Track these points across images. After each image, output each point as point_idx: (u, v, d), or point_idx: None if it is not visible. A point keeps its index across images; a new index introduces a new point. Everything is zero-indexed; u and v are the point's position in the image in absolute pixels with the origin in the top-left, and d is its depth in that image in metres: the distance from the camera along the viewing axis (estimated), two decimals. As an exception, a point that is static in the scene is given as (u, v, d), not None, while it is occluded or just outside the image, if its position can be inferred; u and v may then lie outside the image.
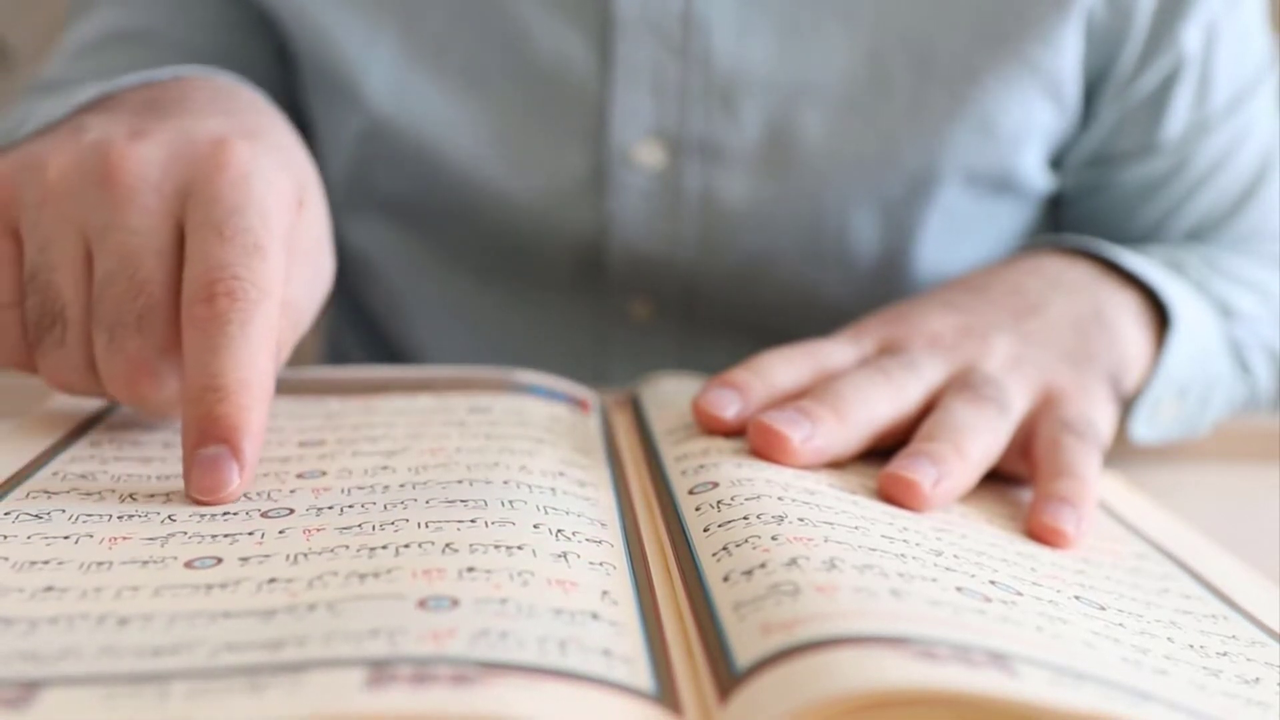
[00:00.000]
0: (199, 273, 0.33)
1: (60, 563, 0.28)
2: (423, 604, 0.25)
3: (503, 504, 0.31)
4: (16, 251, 0.35)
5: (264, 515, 0.31)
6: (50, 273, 0.34)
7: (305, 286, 0.37)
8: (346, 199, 0.62)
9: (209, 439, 0.31)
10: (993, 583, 0.30)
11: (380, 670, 0.22)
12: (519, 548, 0.29)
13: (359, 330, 0.70)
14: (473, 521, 0.30)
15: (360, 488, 0.33)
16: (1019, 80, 0.55)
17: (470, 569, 0.27)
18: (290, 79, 0.61)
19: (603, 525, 0.32)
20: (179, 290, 0.34)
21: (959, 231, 0.59)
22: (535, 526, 0.30)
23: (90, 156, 0.35)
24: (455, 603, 0.25)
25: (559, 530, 0.30)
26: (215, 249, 0.33)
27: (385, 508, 0.31)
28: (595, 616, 0.26)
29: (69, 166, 0.35)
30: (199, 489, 0.31)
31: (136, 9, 0.58)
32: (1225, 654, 0.30)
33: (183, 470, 0.32)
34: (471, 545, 0.28)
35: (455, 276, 0.62)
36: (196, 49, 0.58)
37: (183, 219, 0.34)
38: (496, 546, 0.29)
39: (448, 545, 0.28)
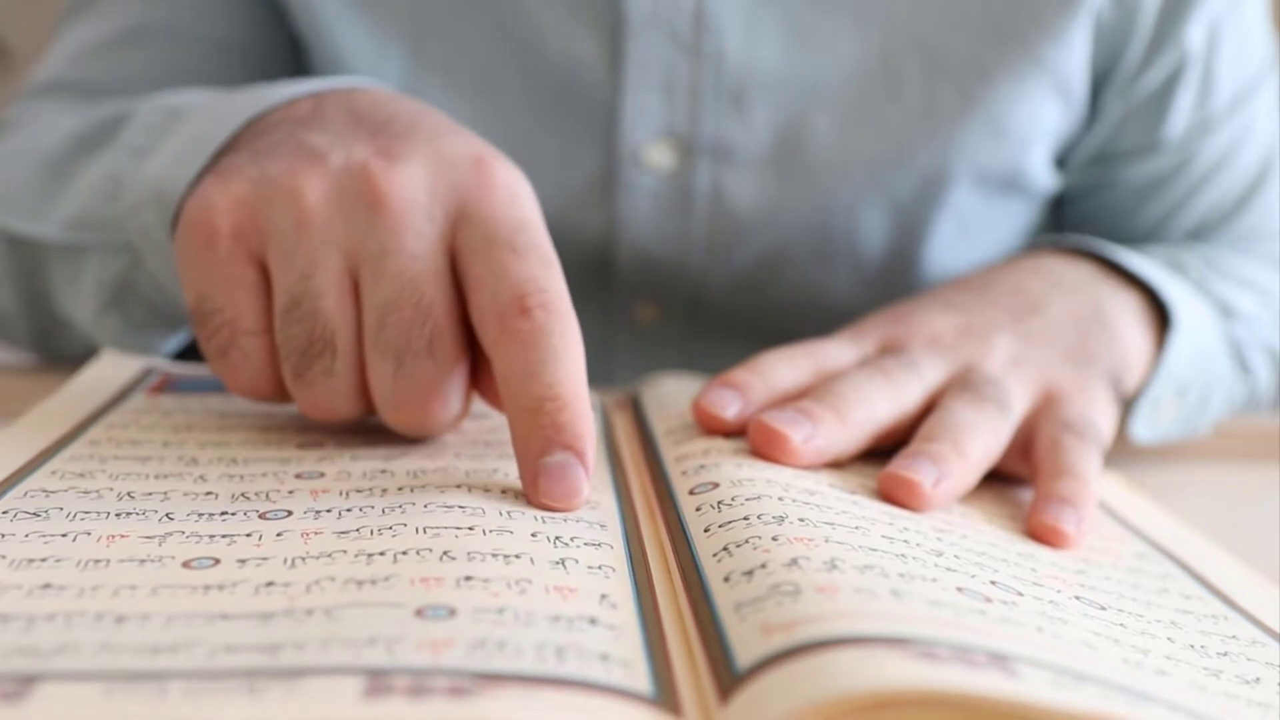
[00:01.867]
0: (504, 289, 0.33)
1: (58, 560, 0.28)
2: (420, 613, 0.25)
3: (501, 512, 0.31)
4: (263, 278, 0.35)
5: (262, 516, 0.31)
6: (317, 299, 0.34)
7: None
8: None
9: (555, 446, 0.32)
10: (993, 583, 0.30)
11: (378, 680, 0.22)
12: (516, 556, 0.29)
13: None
14: (470, 529, 0.30)
15: (359, 490, 0.33)
16: (1029, 79, 0.55)
17: (468, 577, 0.27)
18: (307, 73, 0.61)
19: (602, 527, 0.32)
20: (458, 313, 0.34)
21: (968, 231, 0.59)
22: (533, 535, 0.30)
23: (351, 180, 0.34)
24: (453, 612, 0.25)
25: (556, 537, 0.30)
26: (514, 265, 0.33)
27: (383, 512, 0.31)
28: (593, 621, 0.26)
29: (326, 191, 0.34)
30: (552, 496, 0.32)
31: (154, 4, 0.57)
32: (1226, 654, 0.30)
33: (525, 479, 0.32)
34: (469, 553, 0.28)
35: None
36: (220, 43, 0.57)
37: (453, 242, 0.35)
38: (494, 555, 0.28)
39: (445, 553, 0.28)
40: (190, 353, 0.51)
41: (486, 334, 0.34)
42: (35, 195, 0.49)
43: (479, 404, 0.42)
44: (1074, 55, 0.55)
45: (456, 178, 0.35)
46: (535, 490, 0.32)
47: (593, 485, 0.35)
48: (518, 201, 0.35)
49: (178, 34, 0.57)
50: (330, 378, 0.35)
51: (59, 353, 0.53)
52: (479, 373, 0.36)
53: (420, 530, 0.30)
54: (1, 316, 0.54)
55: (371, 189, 0.34)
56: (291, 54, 0.59)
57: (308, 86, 0.40)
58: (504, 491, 0.33)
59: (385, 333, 0.34)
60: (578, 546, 0.30)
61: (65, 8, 0.60)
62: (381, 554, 0.28)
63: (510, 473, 0.35)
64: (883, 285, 0.59)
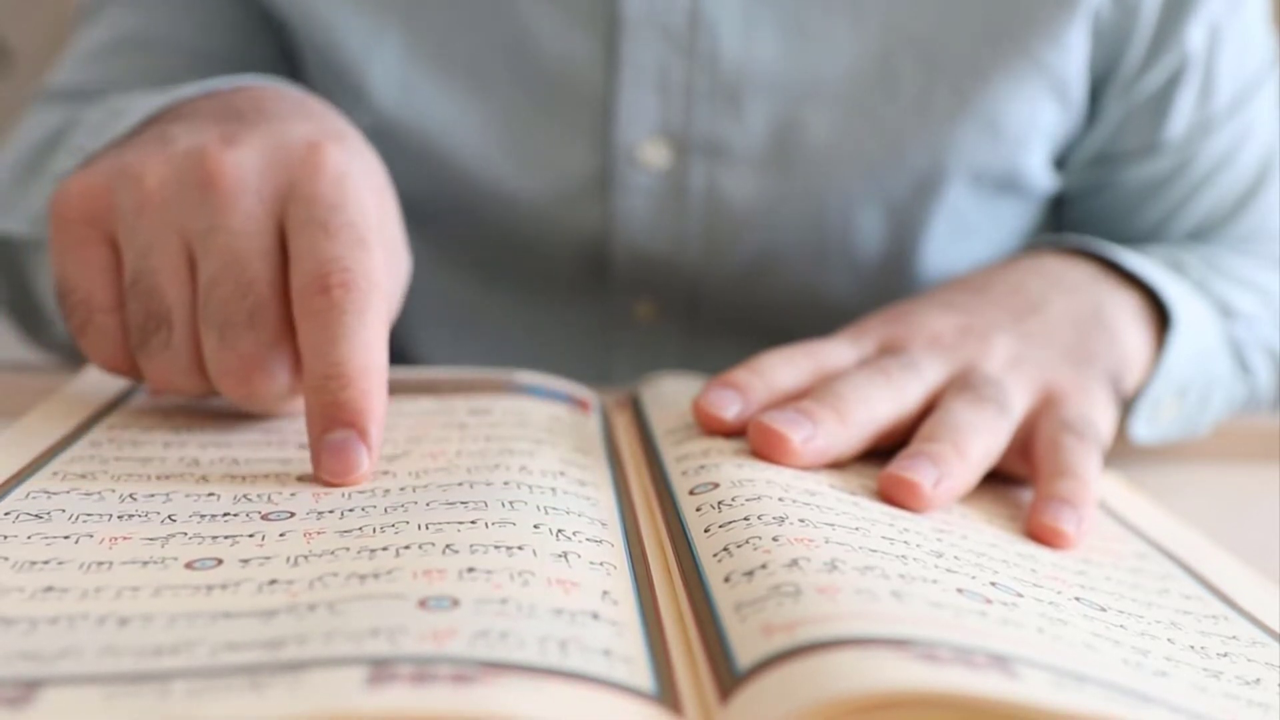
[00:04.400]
0: (310, 267, 0.34)
1: (60, 563, 0.28)
2: (423, 604, 0.25)
3: (503, 505, 0.31)
4: (114, 259, 0.37)
5: (264, 517, 0.31)
6: (153, 276, 0.35)
7: (393, 277, 0.39)
8: None
9: (335, 424, 0.33)
10: (994, 584, 0.30)
11: (381, 669, 0.22)
12: (519, 548, 0.29)
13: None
14: (473, 523, 0.30)
15: (360, 491, 0.33)
16: (1026, 79, 0.55)
17: (470, 569, 0.27)
18: (296, 80, 0.61)
19: (603, 525, 0.32)
20: (283, 289, 0.35)
21: (964, 231, 0.59)
22: (535, 527, 0.30)
23: (187, 163, 0.36)
24: (455, 603, 0.25)
25: (559, 530, 0.30)
26: (323, 244, 0.34)
27: (385, 510, 0.31)
28: (596, 616, 0.26)
29: (167, 174, 0.36)
30: (329, 472, 0.33)
31: (145, 14, 0.58)
32: (1226, 655, 0.30)
33: (311, 455, 0.33)
34: (472, 546, 0.28)
35: (459, 277, 0.62)
36: (205, 52, 0.58)
37: (283, 220, 0.36)
38: (497, 547, 0.29)
39: (448, 546, 0.28)
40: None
41: (295, 311, 0.35)
42: (11, 193, 0.52)
43: (481, 401, 0.42)
44: (1071, 56, 0.55)
45: (288, 159, 0.36)
46: (318, 466, 0.33)
47: (594, 484, 0.35)
48: (343, 182, 0.36)
49: (167, 44, 0.58)
50: (167, 351, 0.36)
51: (43, 341, 0.56)
52: None
53: (422, 525, 0.30)
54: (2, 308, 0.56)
55: (205, 171, 0.36)
56: (282, 65, 0.60)
57: (214, 84, 0.42)
58: (506, 484, 0.33)
59: (209, 306, 0.35)
60: (580, 541, 0.30)
61: (73, 17, 0.61)
62: (384, 549, 0.28)
63: (512, 465, 0.35)
64: (879, 284, 0.59)
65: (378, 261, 0.35)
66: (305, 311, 0.34)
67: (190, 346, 0.36)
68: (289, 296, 0.35)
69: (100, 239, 0.37)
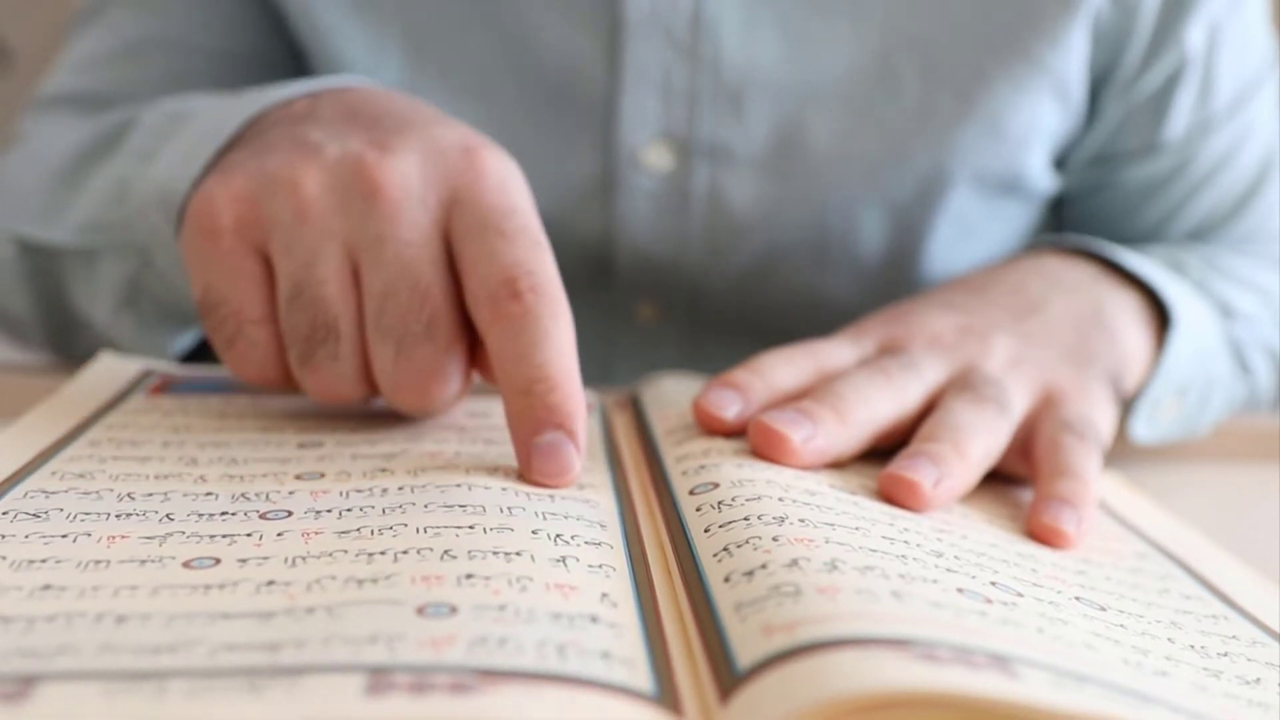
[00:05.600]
0: (494, 272, 0.34)
1: (58, 561, 0.28)
2: (421, 610, 0.25)
3: (501, 510, 0.31)
4: (265, 270, 0.36)
5: (262, 516, 0.31)
6: (319, 287, 0.35)
7: None
8: None
9: (546, 427, 0.33)
10: (994, 584, 0.30)
11: (379, 677, 0.22)
12: (517, 553, 0.29)
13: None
14: (471, 527, 0.30)
15: (358, 490, 0.33)
16: (1027, 81, 0.55)
17: (469, 575, 0.27)
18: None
19: (602, 527, 0.32)
20: (454, 296, 0.35)
21: (966, 232, 0.59)
22: (534, 532, 0.30)
23: (346, 171, 0.35)
24: (454, 609, 0.25)
25: (558, 535, 0.30)
26: (503, 249, 0.35)
27: (384, 512, 0.31)
28: (594, 619, 0.26)
29: (325, 183, 0.35)
30: (543, 474, 0.33)
31: (157, 16, 0.58)
32: (1226, 654, 0.30)
33: (520, 458, 0.34)
34: (470, 551, 0.28)
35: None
36: (220, 53, 0.58)
37: (448, 227, 0.36)
38: (495, 552, 0.28)
39: (446, 551, 0.28)
40: (201, 353, 0.52)
41: (480, 317, 0.35)
42: (48, 202, 0.51)
43: (480, 403, 0.42)
44: (1072, 57, 0.55)
45: (448, 166, 0.36)
46: (529, 469, 0.34)
47: (593, 485, 0.35)
48: (507, 187, 0.36)
49: (179, 45, 0.58)
50: (335, 362, 0.36)
51: (76, 352, 0.55)
52: (477, 353, 0.37)
53: (421, 530, 0.30)
54: (17, 319, 0.55)
55: (367, 179, 0.35)
56: (291, 62, 0.60)
57: (304, 86, 0.41)
58: (504, 489, 0.33)
59: (385, 318, 0.35)
60: (578, 545, 0.30)
61: (71, 19, 0.61)
62: (382, 553, 0.28)
63: (511, 470, 0.35)
64: (882, 286, 0.59)
65: (553, 263, 0.35)
66: (497, 317, 0.34)
67: (358, 357, 0.36)
68: (458, 305, 0.35)
69: (250, 249, 0.36)
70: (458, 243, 0.35)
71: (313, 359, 0.36)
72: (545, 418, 0.33)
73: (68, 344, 0.55)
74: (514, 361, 0.34)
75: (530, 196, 0.37)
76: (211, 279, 0.36)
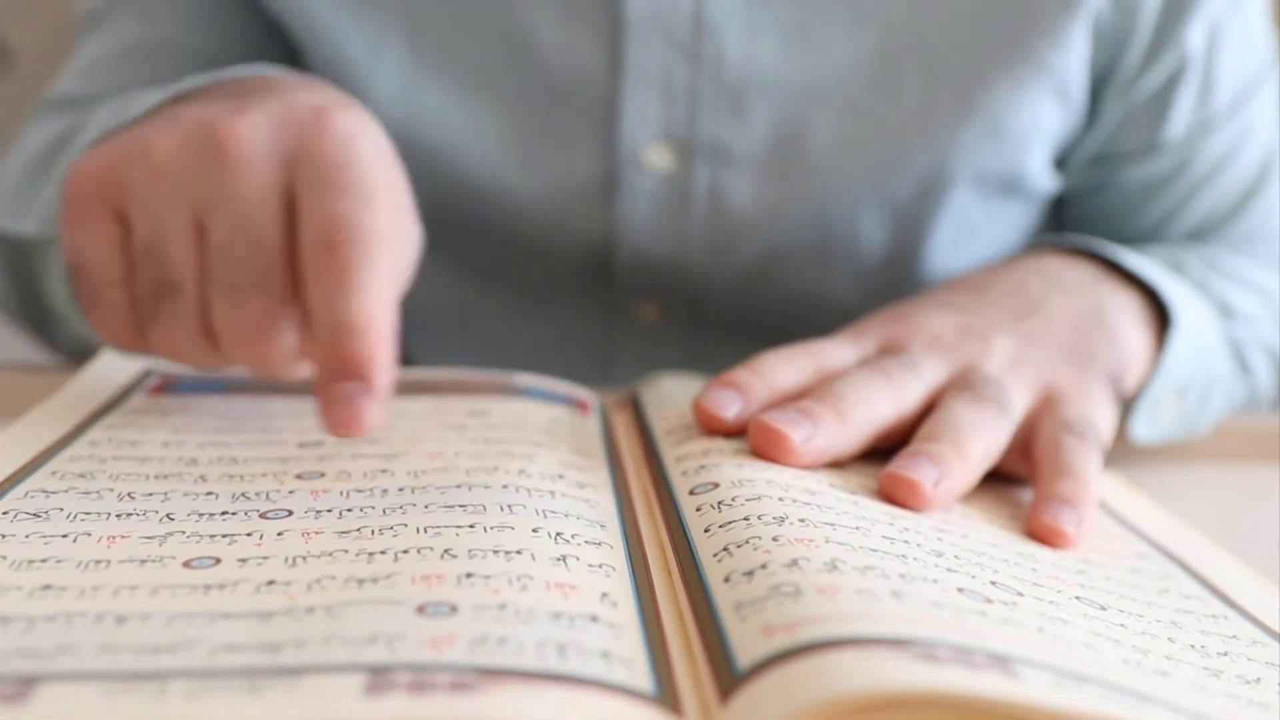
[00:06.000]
0: (318, 224, 0.34)
1: (58, 561, 0.28)
2: (421, 610, 0.25)
3: (501, 508, 0.31)
4: (123, 233, 0.37)
5: (262, 516, 0.31)
6: (164, 245, 0.35)
7: (402, 244, 0.38)
8: None
9: (344, 376, 0.33)
10: (994, 584, 0.30)
11: (379, 677, 0.22)
12: (518, 552, 0.29)
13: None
14: (471, 526, 0.30)
15: (359, 490, 0.33)
16: (1028, 81, 0.55)
17: (469, 574, 0.27)
18: None
19: (602, 527, 0.32)
20: (292, 252, 0.35)
21: (967, 233, 0.59)
22: (534, 531, 0.30)
23: (196, 133, 0.36)
24: (454, 609, 0.25)
25: (558, 534, 0.30)
26: (331, 201, 0.34)
27: (384, 511, 0.31)
28: (594, 619, 0.26)
29: (176, 145, 0.36)
30: (336, 423, 0.32)
31: (154, 22, 0.59)
32: (1226, 654, 0.30)
33: (319, 408, 0.33)
34: (470, 550, 0.28)
35: (461, 278, 0.62)
36: (215, 59, 0.58)
37: (292, 183, 0.36)
38: (495, 551, 0.28)
39: (446, 550, 0.28)
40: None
41: (303, 269, 0.35)
42: (21, 195, 0.52)
43: (480, 402, 0.42)
44: (1072, 57, 0.55)
45: (297, 124, 0.36)
46: (325, 418, 0.33)
47: (593, 485, 0.35)
48: (351, 144, 0.36)
49: (172, 50, 0.58)
50: (176, 318, 0.36)
51: (55, 343, 0.56)
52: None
53: (421, 529, 0.30)
54: (6, 309, 0.57)
55: (215, 139, 0.36)
56: (287, 65, 0.60)
57: (223, 73, 0.43)
58: (504, 487, 0.33)
59: (222, 271, 0.35)
60: (579, 544, 0.30)
61: (77, 27, 0.62)
62: (382, 553, 0.28)
63: (511, 468, 0.35)
64: (883, 286, 0.59)
65: (384, 219, 0.35)
66: (313, 268, 0.34)
67: (200, 312, 0.36)
68: (299, 260, 0.35)
69: (110, 214, 0.37)
70: (297, 198, 0.36)
71: (157, 315, 0.36)
72: (342, 367, 0.33)
73: (47, 334, 0.56)
74: (320, 310, 0.33)
75: (380, 153, 0.37)
76: (75, 243, 0.37)
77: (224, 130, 0.36)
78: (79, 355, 0.53)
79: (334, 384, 0.33)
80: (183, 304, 0.36)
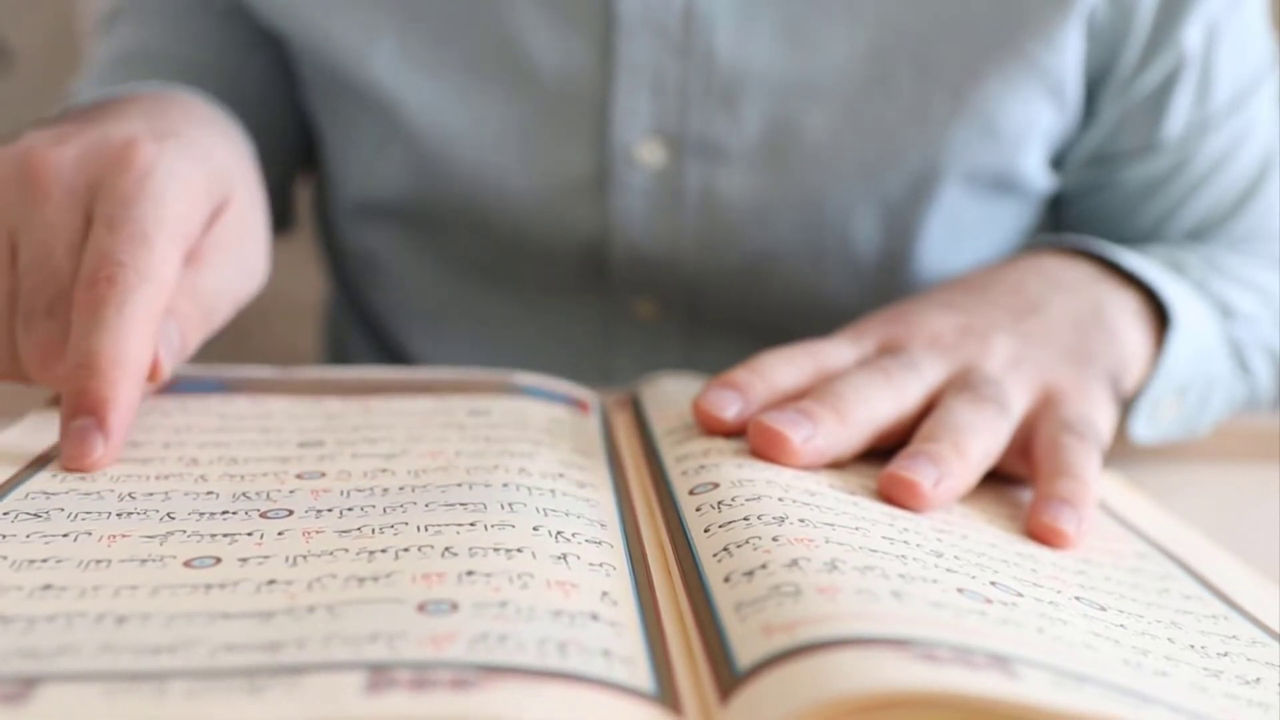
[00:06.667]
0: (88, 261, 0.35)
1: (59, 561, 0.28)
2: (422, 608, 0.25)
3: (502, 506, 0.31)
4: None
5: (263, 515, 0.31)
6: None
7: (222, 279, 0.40)
8: (352, 202, 0.62)
9: (79, 412, 0.34)
10: (993, 584, 0.30)
11: (380, 675, 0.22)
12: (518, 550, 0.29)
13: (361, 331, 0.70)
14: (472, 525, 0.30)
15: (359, 490, 0.33)
16: (1021, 80, 0.55)
17: (470, 572, 0.27)
18: (297, 91, 0.62)
19: (603, 526, 0.32)
20: None
21: (961, 231, 0.59)
22: (535, 529, 0.30)
23: (14, 162, 0.38)
24: (455, 606, 0.25)
25: (558, 532, 0.30)
26: (103, 239, 0.36)
27: (384, 510, 0.31)
28: (595, 617, 0.26)
29: (3, 174, 0.38)
30: (66, 458, 0.34)
31: (148, 30, 0.60)
32: (1226, 654, 0.30)
33: (59, 442, 0.34)
34: (471, 548, 0.28)
35: (458, 277, 0.62)
36: (202, 67, 0.59)
37: (92, 215, 0.37)
38: (496, 549, 0.28)
39: (447, 549, 0.28)
40: (200, 354, 0.52)
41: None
42: None
43: (481, 401, 0.42)
44: (1066, 56, 0.55)
45: (103, 156, 0.38)
46: (61, 453, 0.34)
47: (593, 484, 0.35)
48: (147, 179, 0.37)
49: (167, 58, 0.60)
50: None
51: None
52: None
53: (422, 528, 0.30)
54: None
55: (28, 168, 0.37)
56: (278, 72, 0.61)
57: (116, 90, 0.45)
58: (505, 485, 0.33)
59: (21, 295, 0.36)
60: (579, 543, 0.30)
61: (89, 33, 0.64)
62: (383, 551, 0.28)
63: (511, 467, 0.35)
64: (878, 284, 0.59)
65: (158, 258, 0.36)
66: (75, 304, 0.35)
67: (8, 335, 0.37)
68: None
69: None
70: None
71: None
72: (79, 403, 0.34)
73: None
74: (71, 346, 0.34)
75: (193, 191, 0.38)
76: None
77: (37, 160, 0.37)
78: None
79: (71, 418, 0.34)
80: None
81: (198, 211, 0.38)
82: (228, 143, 0.43)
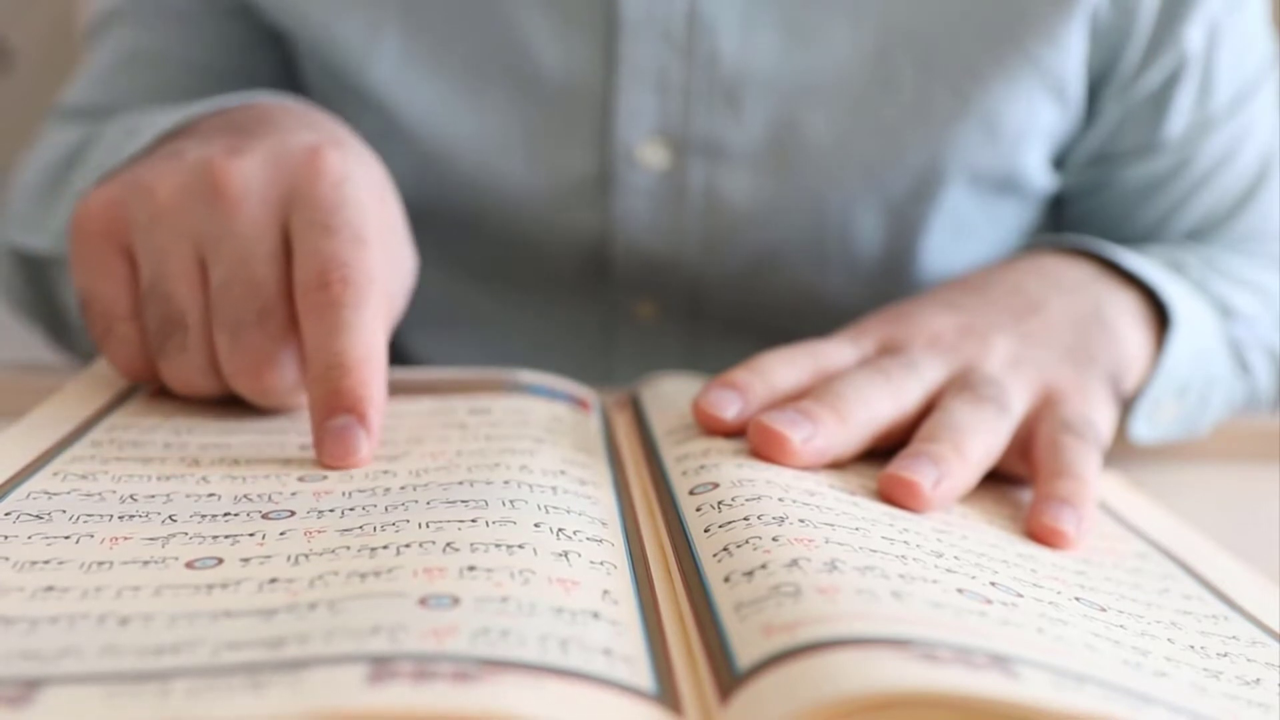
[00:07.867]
0: (311, 265, 0.36)
1: (61, 562, 0.28)
2: (424, 602, 0.25)
3: (504, 503, 0.31)
4: (130, 270, 0.39)
5: (265, 516, 0.31)
6: (168, 283, 0.37)
7: (395, 276, 0.40)
8: None
9: (337, 411, 0.35)
10: (993, 584, 0.30)
11: (382, 667, 0.22)
12: (520, 546, 0.29)
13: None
14: (474, 521, 0.30)
15: (361, 490, 0.33)
16: (1024, 80, 0.55)
17: (471, 568, 0.27)
18: (300, 92, 0.62)
19: (603, 524, 0.32)
20: (288, 289, 0.37)
21: (963, 231, 0.59)
22: (536, 525, 0.30)
23: (195, 174, 0.38)
24: (456, 601, 0.25)
25: (560, 529, 0.30)
26: (324, 243, 0.36)
27: (386, 509, 0.31)
28: (596, 616, 0.26)
29: (177, 186, 0.38)
30: (330, 456, 0.35)
31: (151, 32, 0.60)
32: (1226, 655, 0.30)
33: (314, 442, 0.35)
34: (472, 544, 0.28)
35: (459, 277, 0.62)
36: (208, 68, 0.60)
37: (287, 223, 0.37)
38: (497, 545, 0.29)
39: (449, 544, 0.28)
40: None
41: (298, 308, 0.36)
42: (34, 210, 0.54)
43: (481, 401, 0.42)
44: (1069, 56, 0.55)
45: (291, 165, 0.38)
46: (320, 451, 0.35)
47: (594, 483, 0.35)
48: (343, 185, 0.38)
49: (173, 60, 0.60)
50: (184, 353, 0.38)
51: (73, 348, 0.58)
52: None
53: (423, 525, 0.30)
54: (26, 313, 0.59)
55: (213, 181, 0.37)
56: (284, 77, 0.61)
57: (223, 102, 0.44)
58: (506, 483, 0.33)
59: (221, 308, 0.37)
60: (581, 540, 0.30)
61: (87, 35, 0.63)
62: (385, 548, 0.28)
63: (513, 464, 0.35)
64: (880, 284, 0.59)
65: (375, 258, 0.37)
66: (307, 307, 0.36)
67: (204, 348, 0.38)
68: (294, 296, 0.37)
69: (117, 251, 0.38)
70: (291, 239, 0.37)
71: (165, 351, 0.38)
72: (336, 402, 0.34)
73: (65, 340, 0.58)
74: (314, 348, 0.35)
75: (374, 194, 0.39)
76: (84, 280, 0.39)
77: (221, 171, 0.37)
78: (95, 358, 0.54)
79: (328, 418, 0.35)
80: (188, 339, 0.38)
81: (381, 213, 0.39)
82: (367, 147, 0.44)
